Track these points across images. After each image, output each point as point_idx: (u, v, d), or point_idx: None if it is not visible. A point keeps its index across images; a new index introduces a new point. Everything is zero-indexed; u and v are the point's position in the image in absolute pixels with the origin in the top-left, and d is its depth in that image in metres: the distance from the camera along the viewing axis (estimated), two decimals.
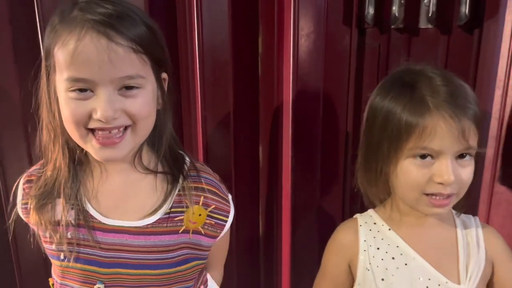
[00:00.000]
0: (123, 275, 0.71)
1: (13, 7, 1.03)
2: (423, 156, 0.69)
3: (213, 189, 0.75)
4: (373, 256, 0.76)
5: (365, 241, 0.77)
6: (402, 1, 0.93)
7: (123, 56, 0.62)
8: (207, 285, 0.85)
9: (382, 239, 0.77)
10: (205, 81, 1.01)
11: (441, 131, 0.67)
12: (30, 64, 1.03)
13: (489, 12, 0.90)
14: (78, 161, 0.72)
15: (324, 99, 1.01)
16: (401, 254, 0.75)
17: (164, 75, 0.72)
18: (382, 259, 0.76)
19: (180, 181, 0.73)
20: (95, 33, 0.60)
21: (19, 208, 0.75)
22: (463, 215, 0.80)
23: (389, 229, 0.78)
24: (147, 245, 0.71)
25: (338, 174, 1.07)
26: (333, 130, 1.03)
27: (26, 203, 0.74)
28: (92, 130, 0.64)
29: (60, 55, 0.62)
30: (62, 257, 0.72)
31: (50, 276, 1.19)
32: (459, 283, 0.73)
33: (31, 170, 0.77)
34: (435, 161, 0.68)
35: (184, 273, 0.75)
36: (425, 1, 0.93)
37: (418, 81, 0.71)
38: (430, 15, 0.92)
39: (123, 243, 0.71)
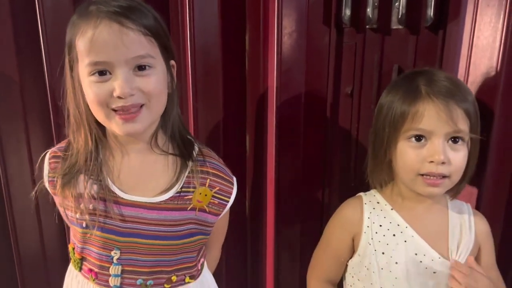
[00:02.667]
0: (137, 244, 0.79)
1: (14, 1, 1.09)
2: (417, 139, 0.77)
3: (218, 173, 0.84)
4: (376, 232, 0.84)
5: (369, 218, 0.85)
6: (376, 4, 1.01)
7: (134, 38, 0.70)
8: (204, 259, 0.94)
9: (385, 217, 0.85)
10: (197, 76, 1.09)
11: (431, 113, 0.75)
12: (30, 56, 1.11)
13: (451, 15, 0.99)
14: (101, 144, 0.79)
15: (305, 92, 1.08)
16: (401, 232, 0.83)
17: (173, 62, 0.80)
18: (384, 235, 0.83)
19: (189, 164, 0.81)
20: (108, 20, 0.69)
21: (46, 181, 0.83)
22: (456, 201, 0.88)
23: (391, 209, 0.85)
24: (159, 219, 0.79)
25: (318, 161, 1.14)
26: (313, 121, 1.11)
27: (53, 177, 0.81)
28: (114, 111, 0.72)
29: (81, 44, 0.70)
30: (84, 225, 0.79)
31: (49, 269, 1.27)
32: (448, 259, 0.82)
33: (56, 146, 0.85)
34: (428, 142, 0.76)
35: (189, 245, 0.83)
36: (396, 3, 1.02)
37: (419, 76, 0.80)
38: (400, 16, 1.01)
39: (139, 216, 0.78)
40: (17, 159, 1.19)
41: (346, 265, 0.91)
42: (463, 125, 0.76)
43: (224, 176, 0.85)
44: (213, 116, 1.13)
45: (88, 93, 0.73)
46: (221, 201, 0.84)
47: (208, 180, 0.82)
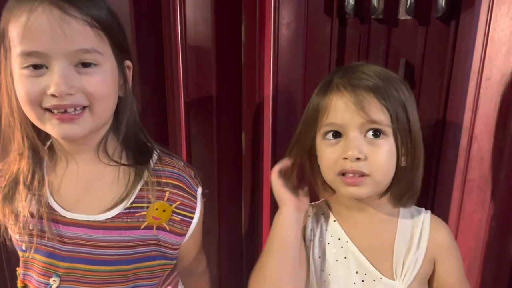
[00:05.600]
0: (79, 270, 0.69)
1: None
2: (334, 136, 0.69)
3: (180, 184, 0.73)
4: (317, 246, 0.75)
5: (311, 230, 0.77)
6: None
7: (77, 28, 0.60)
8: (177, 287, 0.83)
9: (327, 230, 0.76)
10: (188, 68, 1.02)
11: (339, 105, 0.67)
12: None
13: (465, 5, 0.91)
14: (42, 152, 0.69)
15: (304, 87, 1.01)
16: (341, 247, 0.74)
17: (128, 63, 0.70)
18: (324, 250, 0.75)
19: (144, 175, 0.70)
20: (48, 4, 0.59)
21: None
22: (413, 209, 0.77)
23: (334, 221, 0.76)
24: (106, 240, 0.68)
25: None
26: None
27: None
28: (50, 110, 0.62)
29: (13, 30, 0.60)
30: (24, 247, 0.70)
31: None
32: (393, 279, 0.72)
33: (4, 160, 0.74)
34: (343, 138, 0.68)
35: (144, 270, 0.72)
36: None
37: (341, 69, 0.72)
38: (408, 6, 0.93)
39: (83, 237, 0.68)
40: None
41: None
42: (379, 116, 0.66)
43: (186, 189, 0.73)
44: (206, 111, 1.06)
45: (18, 89, 0.62)
46: (183, 218, 0.72)
47: (167, 193, 0.71)
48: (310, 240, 0.76)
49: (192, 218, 0.74)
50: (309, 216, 0.79)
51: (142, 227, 0.70)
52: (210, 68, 1.03)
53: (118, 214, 0.69)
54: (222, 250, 1.17)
